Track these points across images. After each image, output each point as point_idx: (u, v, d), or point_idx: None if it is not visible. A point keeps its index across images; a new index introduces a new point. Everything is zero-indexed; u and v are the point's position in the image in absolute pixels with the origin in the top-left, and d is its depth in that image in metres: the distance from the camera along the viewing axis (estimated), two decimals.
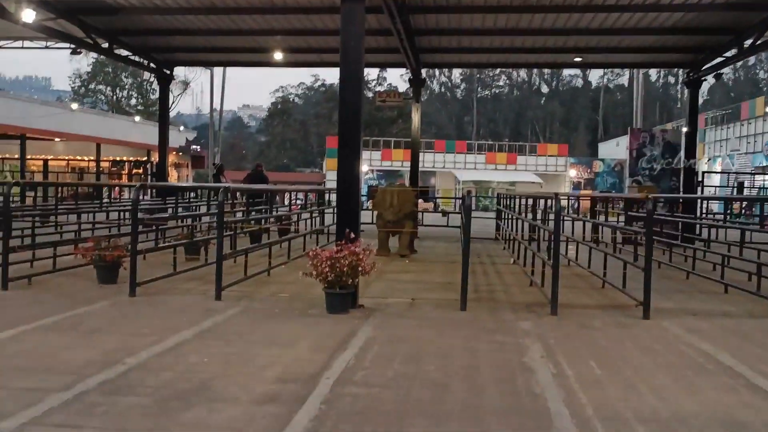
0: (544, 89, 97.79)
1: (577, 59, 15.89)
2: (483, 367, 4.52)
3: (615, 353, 5.01)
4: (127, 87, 72.53)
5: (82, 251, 7.35)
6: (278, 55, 14.96)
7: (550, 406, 3.70)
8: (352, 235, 6.27)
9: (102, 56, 64.83)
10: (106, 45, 14.08)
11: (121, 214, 11.82)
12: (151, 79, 73.41)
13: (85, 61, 70.20)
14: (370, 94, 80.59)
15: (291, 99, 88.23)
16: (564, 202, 12.98)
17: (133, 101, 72.22)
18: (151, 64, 15.90)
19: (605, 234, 12.18)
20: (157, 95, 73.90)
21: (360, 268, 6.07)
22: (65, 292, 6.90)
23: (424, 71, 17.61)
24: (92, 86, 70.92)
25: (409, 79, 16.88)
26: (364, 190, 59.06)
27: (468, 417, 3.53)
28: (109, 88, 71.45)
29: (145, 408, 3.50)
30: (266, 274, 8.32)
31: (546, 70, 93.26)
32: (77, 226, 10.10)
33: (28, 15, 11.31)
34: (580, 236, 11.93)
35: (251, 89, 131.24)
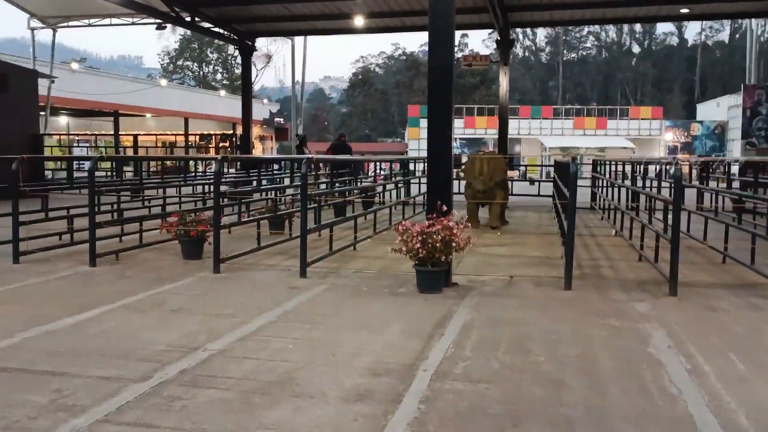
0: (636, 49, 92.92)
1: (684, 10, 14.53)
2: (601, 357, 3.94)
3: (755, 343, 4.31)
4: (212, 62, 74.27)
5: (167, 226, 7.20)
6: (359, 21, 14.46)
7: (693, 412, 3.10)
8: (444, 208, 5.76)
9: (186, 31, 66.43)
10: (188, 18, 14.01)
11: (206, 187, 11.77)
12: (235, 53, 75.05)
13: (173, 38, 72.34)
14: None
15: (372, 69, 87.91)
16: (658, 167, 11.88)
17: (219, 76, 73.92)
18: (233, 36, 15.79)
19: (708, 202, 11.12)
20: (240, 70, 75.88)
21: (454, 244, 5.56)
22: (151, 268, 6.78)
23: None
24: (180, 63, 73.00)
25: (497, 41, 16.01)
26: None
27: (594, 424, 2.99)
28: (195, 64, 73.35)
29: (226, 404, 3.17)
30: (352, 249, 7.97)
31: (637, 29, 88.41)
32: (163, 201, 10.09)
33: None
34: (690, 205, 10.93)
35: (332, 61, 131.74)
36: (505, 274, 6.58)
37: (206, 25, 15.12)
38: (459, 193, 11.47)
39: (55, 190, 8.36)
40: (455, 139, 59.96)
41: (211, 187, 11.69)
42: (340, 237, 8.02)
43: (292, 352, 3.96)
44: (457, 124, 61.05)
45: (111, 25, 18.48)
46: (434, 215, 5.71)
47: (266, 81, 75.84)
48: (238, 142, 16.77)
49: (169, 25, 17.86)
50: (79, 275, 6.36)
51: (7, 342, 4.14)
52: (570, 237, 5.97)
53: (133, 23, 18.47)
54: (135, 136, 19.72)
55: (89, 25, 18.64)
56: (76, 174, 26.53)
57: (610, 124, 60.12)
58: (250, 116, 16.49)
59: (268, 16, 15.07)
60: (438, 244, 5.46)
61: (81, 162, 28.20)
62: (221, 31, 15.42)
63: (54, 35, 19.13)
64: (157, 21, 18.06)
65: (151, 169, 30.84)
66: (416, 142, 61.74)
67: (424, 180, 14.40)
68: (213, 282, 6.11)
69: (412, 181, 13.57)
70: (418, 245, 5.47)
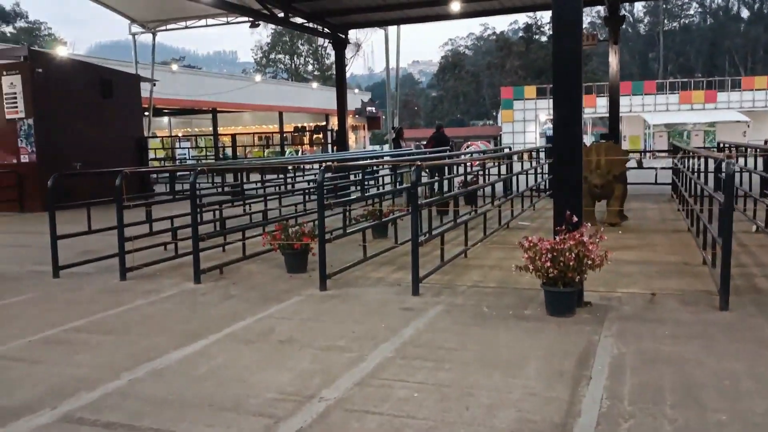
0: (745, 14, 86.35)
1: None
2: None
3: None
4: (303, 54, 75.26)
5: (270, 240, 6.89)
6: (455, 6, 13.76)
7: None
8: (575, 219, 5.08)
9: (279, 27, 67.62)
10: (281, 14, 13.81)
11: (307, 184, 11.52)
12: (325, 44, 75.70)
13: (265, 32, 73.88)
14: (543, 38, 76.40)
15: (461, 51, 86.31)
16: None
17: (310, 67, 74.85)
18: (326, 30, 15.49)
19: None
20: (331, 59, 76.30)
21: (589, 261, 4.88)
22: (255, 284, 6.49)
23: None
24: (272, 56, 74.44)
25: (605, 18, 14.87)
26: (542, 142, 55.69)
27: None
28: (287, 57, 74.59)
29: None
30: (463, 256, 7.40)
31: None
32: (264, 204, 9.86)
33: None
34: None
35: (420, 45, 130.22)
36: (643, 288, 5.81)
37: (299, 20, 14.85)
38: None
39: (158, 203, 8.20)
40: (550, 119, 58.00)
41: (309, 182, 11.50)
42: (447, 240, 7.47)
43: (419, 405, 3.45)
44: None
45: (206, 26, 18.69)
46: (563, 227, 5.05)
47: (355, 69, 76.28)
48: (334, 137, 16.48)
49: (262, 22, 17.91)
50: (184, 294, 6.15)
51: (114, 385, 3.88)
52: (727, 241, 5.10)
53: (227, 23, 18.58)
54: (233, 137, 19.89)
55: (186, 27, 18.93)
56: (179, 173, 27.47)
57: (720, 96, 56.08)
58: (345, 110, 16.19)
59: (361, 7, 14.65)
60: (571, 263, 4.81)
61: (183, 153, 29.25)
62: (314, 26, 15.13)
63: (154, 39, 19.58)
64: (251, 19, 18.12)
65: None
66: (510, 124, 60.08)
67: (530, 171, 13.62)
68: (320, 302, 5.72)
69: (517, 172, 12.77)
70: (548, 264, 4.83)
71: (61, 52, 17.99)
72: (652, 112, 56.58)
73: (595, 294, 5.55)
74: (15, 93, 14.72)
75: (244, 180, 10.87)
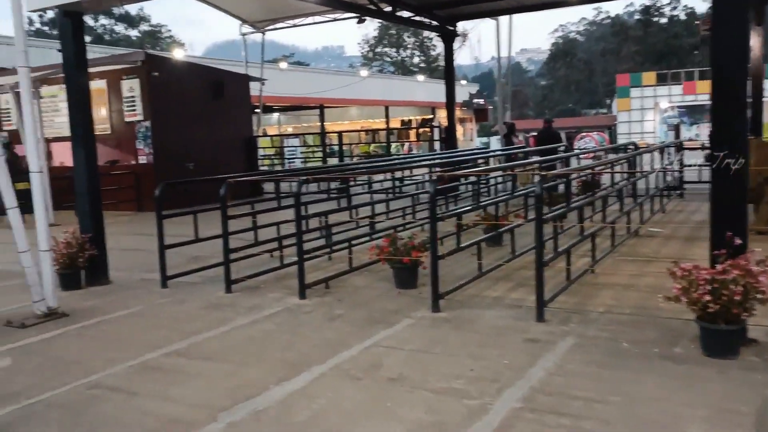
0: None
1: None
2: None
3: None
4: (409, 47, 74.96)
5: (378, 253, 6.43)
6: None
7: None
8: (738, 241, 4.24)
9: (385, 22, 67.68)
10: (389, 9, 13.36)
11: (416, 188, 11.00)
12: (431, 35, 75.05)
13: (372, 26, 74.21)
14: (663, 20, 71.76)
15: (572, 37, 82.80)
16: None
17: (416, 59, 74.45)
18: (433, 23, 14.90)
19: None
20: (438, 50, 75.55)
21: (759, 295, 4.04)
22: (361, 301, 6.05)
23: None
24: (379, 50, 74.67)
25: None
26: (661, 131, 52.08)
27: None
28: (393, 50, 74.59)
29: None
30: (590, 271, 6.62)
31: None
32: (370, 210, 9.45)
33: None
34: None
35: (528, 32, 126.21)
36: None
37: (406, 14, 14.34)
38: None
39: (263, 212, 7.96)
40: (672, 107, 54.25)
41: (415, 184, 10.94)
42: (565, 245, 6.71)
43: None
44: (675, 90, 55.13)
45: (314, 23, 18.58)
46: (724, 250, 4.22)
47: (461, 59, 74.61)
48: (443, 134, 15.87)
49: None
50: (287, 313, 5.80)
51: (210, 429, 3.53)
52: None
53: (334, 20, 18.37)
54: (339, 135, 19.72)
55: (294, 25, 18.92)
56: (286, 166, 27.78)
57: None
58: (454, 105, 15.56)
59: None
60: (737, 297, 3.98)
61: (292, 151, 29.66)
62: (421, 19, 14.58)
63: (263, 39, 19.74)
64: (358, 15, 17.82)
65: (354, 158, 31.49)
66: (626, 113, 56.88)
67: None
68: (432, 328, 5.18)
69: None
70: (707, 297, 4.03)
71: (178, 54, 18.52)
72: None
73: (761, 329, 4.66)
74: (133, 96, 15.21)
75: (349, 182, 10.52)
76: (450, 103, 15.50)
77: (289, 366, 4.41)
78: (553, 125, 14.93)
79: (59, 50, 7.35)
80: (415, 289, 6.37)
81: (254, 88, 19.32)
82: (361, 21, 18.57)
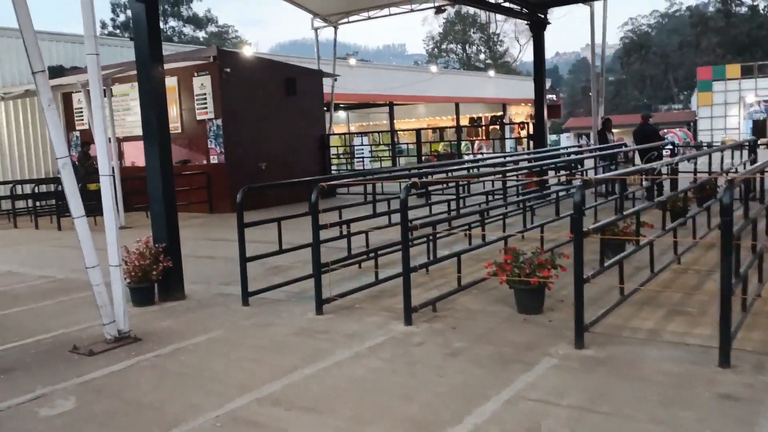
0: None
1: None
2: None
3: None
4: (476, 42, 73.31)
5: (497, 270, 5.40)
6: None
7: None
8: None
9: (451, 13, 66.07)
10: None
11: (516, 194, 9.88)
12: (498, 31, 73.20)
13: (437, 23, 73.02)
14: (744, 10, 67.58)
15: (643, 30, 79.19)
16: None
17: (482, 56, 72.76)
18: (524, 10, 13.74)
19: None
20: (504, 47, 73.66)
21: None
22: (481, 330, 5.03)
23: None
24: (444, 46, 73.32)
25: None
26: (746, 127, 48.98)
27: None
28: (459, 46, 73.09)
29: None
30: (757, 297, 5.40)
31: None
32: (483, 214, 8.39)
33: None
34: None
35: (588, 27, 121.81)
36: None
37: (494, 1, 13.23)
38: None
39: (356, 220, 7.03)
40: (759, 102, 50.97)
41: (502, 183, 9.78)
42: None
43: None
44: (762, 84, 51.70)
45: (389, 15, 17.68)
46: None
47: (526, 55, 71.93)
48: (531, 131, 14.66)
49: (432, 12, 16.61)
50: (394, 345, 4.83)
51: None
52: None
53: (411, 10, 17.44)
54: (418, 132, 18.67)
55: (368, 18, 18.06)
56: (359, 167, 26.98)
57: None
58: (544, 100, 14.36)
59: None
60: None
61: (361, 150, 28.85)
62: (511, 5, 13.44)
63: (336, 33, 18.97)
64: (437, 5, 16.82)
65: (423, 157, 30.45)
66: (708, 108, 53.73)
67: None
68: (586, 373, 4.10)
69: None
70: None
71: (247, 52, 17.90)
72: None
73: None
74: (205, 94, 14.65)
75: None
76: (539, 99, 14.34)
77: (417, 427, 3.44)
78: (650, 121, 13.51)
79: (131, 38, 6.60)
80: (541, 314, 5.32)
81: (325, 84, 18.53)
82: (439, 11, 17.61)
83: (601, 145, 13.68)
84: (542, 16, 14.00)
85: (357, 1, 17.18)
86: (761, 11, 67.57)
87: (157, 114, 6.56)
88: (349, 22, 18.40)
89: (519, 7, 13.54)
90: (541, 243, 7.38)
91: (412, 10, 17.34)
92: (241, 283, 6.22)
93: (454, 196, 8.60)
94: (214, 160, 14.75)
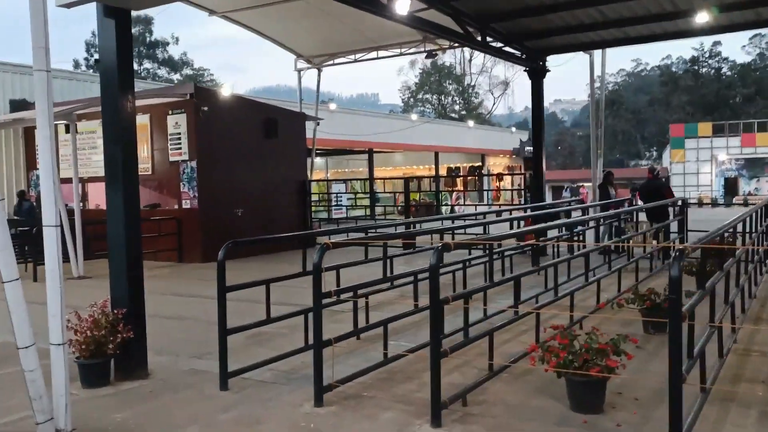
0: None
1: None
2: None
3: None
4: (451, 93, 73.66)
5: (545, 354, 4.31)
6: (702, 17, 10.77)
7: None
8: None
9: (427, 63, 66.26)
10: (479, 38, 11.54)
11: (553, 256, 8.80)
12: (473, 83, 73.73)
13: (412, 73, 73.34)
14: (712, 71, 69.36)
15: (610, 89, 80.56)
16: None
17: (457, 107, 73.02)
18: (522, 55, 13.05)
19: None
20: (479, 99, 74.20)
21: None
22: None
23: None
24: (420, 96, 73.49)
25: None
26: (718, 184, 49.29)
27: None
28: (435, 96, 73.32)
29: None
30: None
31: None
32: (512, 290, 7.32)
33: (402, 5, 9.12)
34: None
35: (561, 83, 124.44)
36: None
37: (495, 45, 12.50)
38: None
39: (364, 286, 5.88)
40: (730, 160, 51.53)
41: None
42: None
43: None
44: (732, 143, 52.49)
45: (377, 58, 16.90)
46: None
47: (499, 108, 72.18)
48: (528, 183, 13.79)
49: (408, 62, 15.93)
50: None
51: None
52: None
53: (400, 53, 16.71)
54: (406, 183, 17.70)
55: (355, 60, 17.27)
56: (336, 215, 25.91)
57: None
58: (542, 151, 13.51)
59: (567, 26, 12.06)
60: None
61: (339, 198, 27.81)
62: (511, 50, 12.71)
63: (319, 75, 18.11)
64: (428, 49, 16.12)
65: (399, 207, 29.54)
66: (680, 165, 54.24)
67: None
68: None
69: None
70: None
71: (226, 91, 16.90)
72: None
73: None
74: (179, 133, 13.53)
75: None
76: (537, 149, 13.50)
77: None
78: (658, 175, 12.79)
79: (97, 61, 5.53)
80: (602, 413, 4.23)
81: (306, 128, 17.55)
82: (430, 56, 16.94)
83: (604, 201, 12.85)
84: (541, 63, 13.31)
85: (343, 43, 16.39)
86: (724, 75, 69.31)
87: (124, 148, 5.44)
88: (334, 64, 17.58)
89: (519, 53, 12.82)
90: (571, 321, 6.33)
91: (401, 54, 16.61)
92: (220, 361, 5.01)
93: (475, 257, 7.56)
94: (186, 204, 13.55)
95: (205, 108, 13.37)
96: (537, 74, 13.37)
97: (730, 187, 51.93)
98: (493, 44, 12.25)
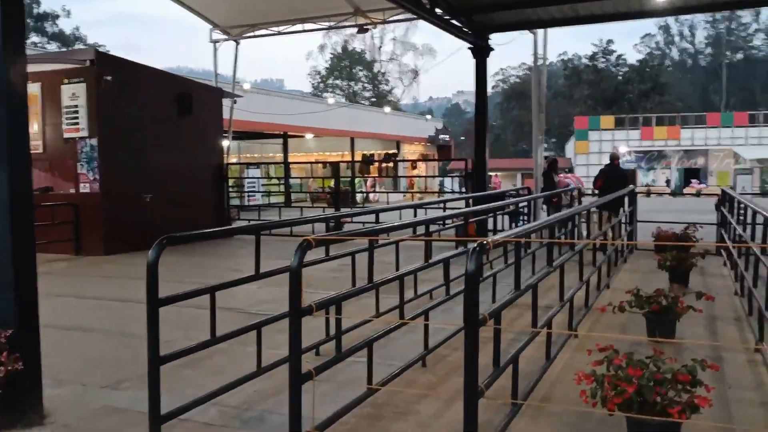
0: None
1: None
2: None
3: None
4: (361, 80, 72.52)
5: (608, 393, 3.27)
6: None
7: None
8: None
9: (338, 48, 64.76)
10: (428, 6, 10.46)
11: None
12: (383, 70, 72.90)
13: (322, 58, 71.65)
14: (612, 67, 72.11)
15: (512, 81, 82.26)
16: None
17: (367, 93, 72.02)
18: (468, 31, 12.10)
19: None
20: (390, 86, 73.54)
21: None
22: None
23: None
24: (330, 81, 71.88)
25: None
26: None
27: None
28: (345, 82, 71.93)
29: None
30: None
31: None
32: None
33: None
34: None
35: (462, 74, 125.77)
36: None
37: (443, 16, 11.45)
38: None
39: (349, 297, 4.64)
40: (630, 152, 53.55)
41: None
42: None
43: None
44: (633, 135, 54.61)
45: (304, 31, 15.49)
46: None
47: (405, 98, 71.63)
48: (468, 170, 12.87)
49: (317, 48, 14.71)
50: None
51: None
52: None
53: (329, 27, 15.42)
54: (336, 165, 16.40)
55: (278, 33, 15.77)
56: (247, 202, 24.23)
57: None
58: (485, 136, 12.66)
59: (515, 0, 11.22)
60: None
61: (252, 184, 26.08)
62: (457, 23, 11.73)
63: (237, 49, 16.44)
64: (360, 23, 14.90)
65: (313, 193, 28.21)
66: (584, 156, 55.90)
67: None
68: None
69: None
70: None
71: None
72: (743, 145, 51.77)
73: None
74: (76, 106, 11.63)
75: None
76: (480, 132, 12.66)
77: None
78: (619, 163, 12.29)
79: None
80: None
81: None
82: (362, 30, 15.72)
83: (548, 189, 12.20)
84: (482, 43, 12.42)
85: (267, 13, 14.87)
86: (620, 71, 72.17)
87: (11, 114, 3.94)
88: (255, 36, 16.00)
89: (465, 27, 11.86)
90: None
91: (330, 28, 15.32)
92: (150, 400, 3.62)
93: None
94: (84, 188, 11.69)
95: (109, 78, 11.56)
96: (481, 52, 12.47)
97: (630, 178, 54.06)
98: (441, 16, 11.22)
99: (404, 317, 4.45)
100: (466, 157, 13.39)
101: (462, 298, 2.88)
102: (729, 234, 9.32)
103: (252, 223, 14.65)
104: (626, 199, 10.77)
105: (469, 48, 12.44)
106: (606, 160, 48.15)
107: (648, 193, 40.53)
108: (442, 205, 10.41)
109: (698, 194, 34.63)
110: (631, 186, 11.38)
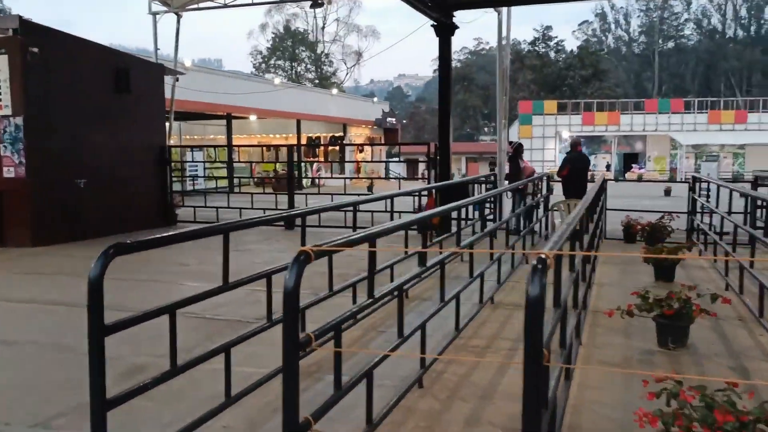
0: (741, 35, 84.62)
1: None
2: None
3: None
4: (304, 61, 70.85)
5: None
6: None
7: None
8: None
9: (280, 29, 62.90)
10: None
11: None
12: (327, 51, 71.34)
13: (263, 37, 69.58)
14: (553, 53, 72.94)
15: (453, 66, 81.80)
16: None
17: (310, 75, 70.48)
18: (430, 4, 11.39)
19: None
20: (333, 67, 72.13)
21: None
22: None
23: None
24: (272, 62, 69.96)
25: None
26: (561, 160, 52.45)
27: None
28: (288, 63, 70.14)
29: None
30: None
31: (743, 15, 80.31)
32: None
33: None
34: None
35: (404, 59, 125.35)
36: None
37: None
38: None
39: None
40: (571, 137, 54.25)
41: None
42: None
43: None
44: (575, 120, 55.22)
45: (253, 4, 14.45)
46: None
47: (348, 81, 70.41)
48: (432, 157, 12.18)
49: (258, 27, 13.82)
50: None
51: None
52: None
53: (280, 1, 14.38)
54: (291, 148, 15.45)
55: (225, 5, 14.64)
56: (190, 187, 23.00)
57: (752, 117, 52.90)
58: (449, 122, 12.02)
59: None
60: None
61: (194, 168, 24.81)
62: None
63: (178, 22, 15.21)
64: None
65: (256, 178, 27.09)
66: (528, 141, 56.24)
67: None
68: None
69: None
70: None
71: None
72: (679, 131, 53.11)
73: None
74: None
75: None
76: (444, 119, 12.00)
77: None
78: (581, 149, 11.89)
79: None
80: None
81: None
82: (316, 5, 14.78)
83: (515, 174, 11.67)
84: (450, 18, 11.74)
85: None
86: (561, 57, 73.11)
87: None
88: (198, 8, 14.84)
89: (429, 6, 11.14)
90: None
91: (280, 1, 14.29)
92: None
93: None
94: (9, 173, 10.46)
95: (36, 49, 10.33)
96: (446, 29, 11.78)
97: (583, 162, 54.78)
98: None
99: (404, 333, 3.73)
100: (429, 141, 12.69)
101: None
102: (710, 224, 8.98)
103: (198, 209, 13.68)
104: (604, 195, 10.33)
105: (432, 25, 11.73)
106: (550, 145, 47.84)
107: (591, 179, 41.07)
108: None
109: (639, 179, 35.22)
110: (603, 176, 10.95)
